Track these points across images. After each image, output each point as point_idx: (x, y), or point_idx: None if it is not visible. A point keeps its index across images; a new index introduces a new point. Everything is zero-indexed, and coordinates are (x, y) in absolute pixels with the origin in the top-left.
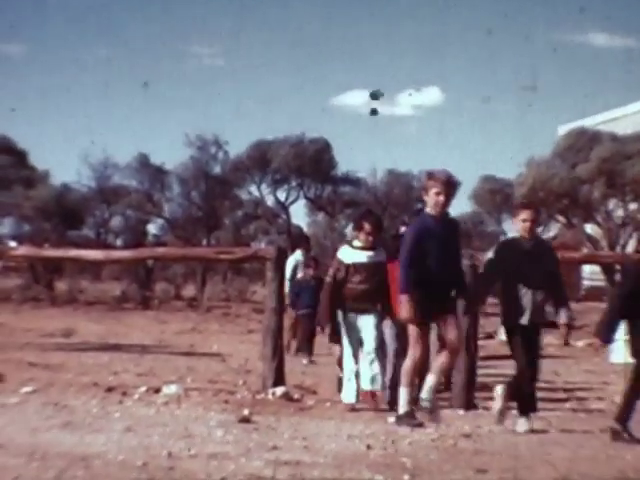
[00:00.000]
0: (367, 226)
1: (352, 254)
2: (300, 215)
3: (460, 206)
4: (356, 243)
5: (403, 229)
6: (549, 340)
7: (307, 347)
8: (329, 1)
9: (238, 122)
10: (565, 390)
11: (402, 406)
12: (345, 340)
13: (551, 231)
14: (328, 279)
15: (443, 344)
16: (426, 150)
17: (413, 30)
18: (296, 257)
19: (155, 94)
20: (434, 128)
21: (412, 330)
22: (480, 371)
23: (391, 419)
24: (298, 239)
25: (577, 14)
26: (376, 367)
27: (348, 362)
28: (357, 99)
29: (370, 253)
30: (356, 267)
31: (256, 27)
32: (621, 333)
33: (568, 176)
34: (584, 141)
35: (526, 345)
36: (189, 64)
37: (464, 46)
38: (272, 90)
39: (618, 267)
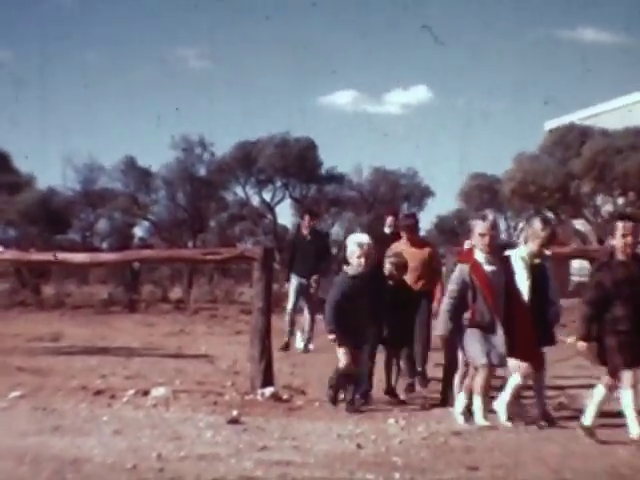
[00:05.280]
0: None
1: None
2: (286, 215)
3: (446, 204)
4: None
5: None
6: None
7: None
8: (316, 1)
9: (225, 123)
10: (555, 386)
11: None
12: None
13: None
14: None
15: None
16: (414, 148)
17: (400, 28)
18: None
19: (141, 96)
20: (422, 126)
21: None
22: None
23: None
24: None
25: (565, 9)
26: None
27: None
28: (345, 98)
29: None
30: None
31: (242, 28)
32: None
33: (559, 171)
34: (573, 136)
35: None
36: (175, 66)
37: (452, 43)
38: (259, 90)
39: None
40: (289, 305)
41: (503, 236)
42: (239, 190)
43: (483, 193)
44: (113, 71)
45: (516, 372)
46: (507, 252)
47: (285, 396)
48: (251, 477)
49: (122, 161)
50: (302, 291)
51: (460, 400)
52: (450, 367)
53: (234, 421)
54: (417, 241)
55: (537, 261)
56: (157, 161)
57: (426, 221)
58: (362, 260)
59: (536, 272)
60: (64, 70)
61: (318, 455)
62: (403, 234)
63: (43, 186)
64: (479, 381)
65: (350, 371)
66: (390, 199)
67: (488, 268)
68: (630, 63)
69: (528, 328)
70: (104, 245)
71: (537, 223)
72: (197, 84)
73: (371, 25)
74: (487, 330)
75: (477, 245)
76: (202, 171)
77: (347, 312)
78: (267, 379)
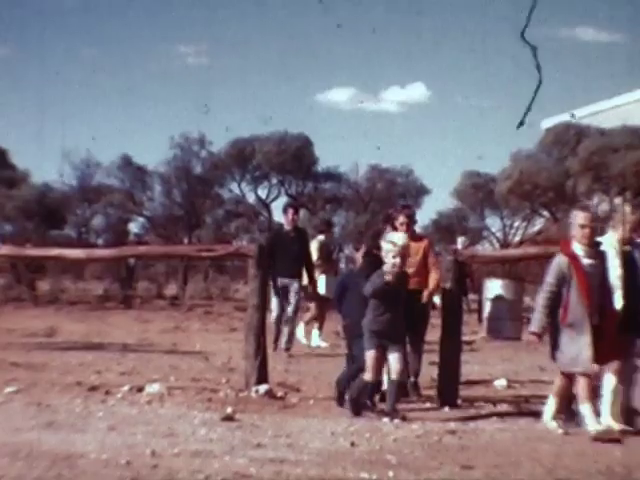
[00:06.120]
0: None
1: None
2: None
3: (444, 202)
4: None
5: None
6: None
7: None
8: None
9: (222, 120)
10: (550, 385)
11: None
12: None
13: (535, 225)
14: None
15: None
16: (411, 146)
17: (398, 26)
18: (319, 240)
19: (140, 93)
20: (419, 124)
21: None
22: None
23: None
24: (321, 224)
25: (565, 8)
26: None
27: None
28: (342, 95)
29: None
30: None
31: (240, 25)
32: None
33: (555, 169)
34: (570, 135)
35: None
36: (173, 64)
37: (450, 41)
38: (256, 87)
39: None
40: (274, 313)
41: (499, 235)
42: (234, 187)
43: (478, 191)
44: (112, 67)
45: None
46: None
47: (280, 393)
48: (245, 474)
49: (119, 158)
50: (285, 294)
51: (550, 405)
52: (448, 366)
53: (228, 418)
54: (414, 234)
55: (627, 248)
56: (153, 157)
57: (422, 219)
58: (397, 260)
59: (626, 260)
60: (62, 66)
61: (312, 453)
62: (399, 225)
63: (39, 181)
64: (581, 389)
65: (377, 379)
66: (386, 197)
67: (586, 262)
68: (628, 62)
69: (613, 329)
70: (99, 241)
71: (626, 207)
72: (195, 81)
73: (368, 22)
74: (576, 330)
75: (576, 237)
76: (198, 168)
77: (381, 312)
78: (262, 376)
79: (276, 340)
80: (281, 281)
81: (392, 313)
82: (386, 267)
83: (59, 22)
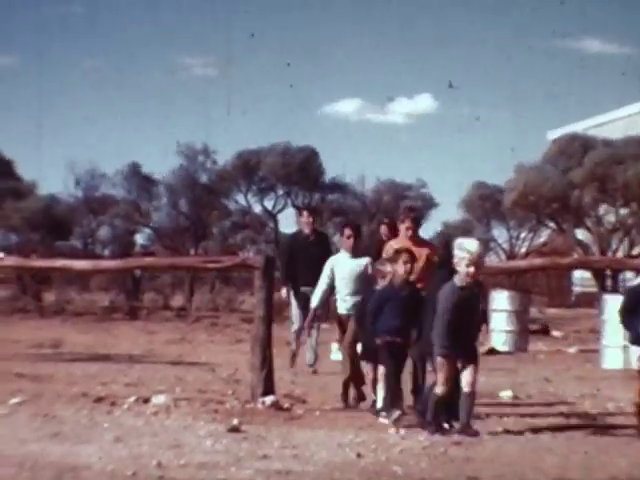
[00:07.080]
0: None
1: None
2: (288, 224)
3: (450, 214)
4: None
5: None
6: (539, 347)
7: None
8: (320, 10)
9: (229, 131)
10: (556, 396)
11: None
12: None
13: (541, 237)
14: None
15: None
16: (418, 158)
17: (404, 38)
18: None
19: (145, 104)
20: (426, 136)
21: None
22: None
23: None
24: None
25: (571, 20)
26: None
27: None
28: (349, 107)
29: None
30: None
31: (246, 37)
32: (615, 340)
33: (560, 181)
34: (575, 146)
35: None
36: (180, 75)
37: (456, 52)
38: (263, 98)
39: (609, 272)
40: (295, 325)
41: (505, 246)
42: (241, 198)
43: (486, 202)
44: (117, 78)
45: None
46: None
47: (286, 405)
48: None
49: (127, 167)
50: (307, 304)
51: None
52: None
53: (234, 429)
54: (418, 239)
55: None
56: (159, 169)
57: (427, 231)
58: (471, 270)
59: None
60: (67, 76)
61: (318, 464)
62: (405, 229)
63: (45, 193)
64: None
65: (447, 395)
66: (394, 209)
67: None
68: (634, 74)
69: None
70: (105, 252)
71: None
72: (201, 92)
73: (376, 34)
74: None
75: None
76: (204, 179)
77: (456, 327)
78: (268, 388)
79: (294, 356)
80: (303, 290)
81: (466, 325)
82: (458, 277)
83: (64, 32)
